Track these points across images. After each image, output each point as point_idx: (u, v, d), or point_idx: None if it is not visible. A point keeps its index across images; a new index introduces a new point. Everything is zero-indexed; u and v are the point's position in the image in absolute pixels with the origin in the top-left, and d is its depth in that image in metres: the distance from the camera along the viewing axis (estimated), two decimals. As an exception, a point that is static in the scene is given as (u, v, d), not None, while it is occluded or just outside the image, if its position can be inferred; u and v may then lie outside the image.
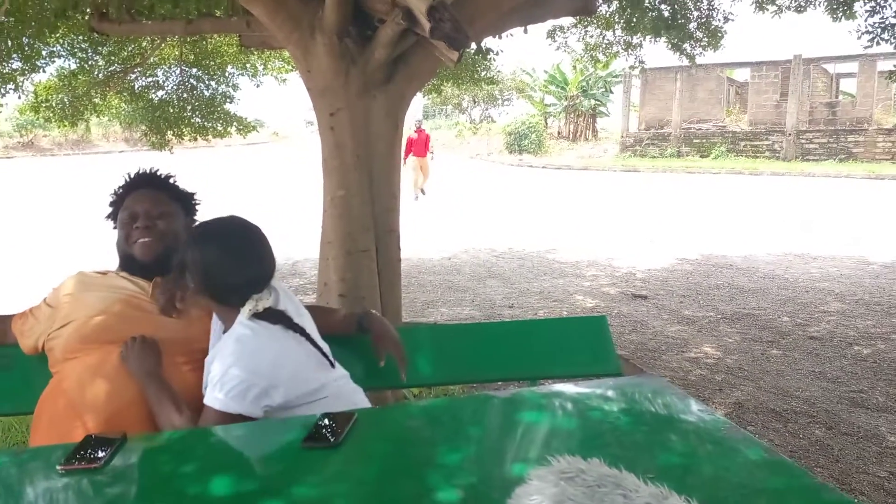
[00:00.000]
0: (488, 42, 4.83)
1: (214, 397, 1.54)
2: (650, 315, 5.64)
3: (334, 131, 2.85)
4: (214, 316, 1.76)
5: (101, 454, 1.29)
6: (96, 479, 1.23)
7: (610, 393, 1.63)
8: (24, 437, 3.14)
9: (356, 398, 1.78)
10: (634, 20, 3.98)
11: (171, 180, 2.06)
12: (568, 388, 1.66)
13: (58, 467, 1.25)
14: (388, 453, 1.38)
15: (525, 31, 3.55)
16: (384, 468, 1.31)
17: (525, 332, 2.56)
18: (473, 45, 3.92)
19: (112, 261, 2.00)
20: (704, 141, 24.51)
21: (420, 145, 14.88)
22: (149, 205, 1.93)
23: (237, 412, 1.52)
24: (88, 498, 1.19)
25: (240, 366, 1.54)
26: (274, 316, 1.64)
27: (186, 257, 1.64)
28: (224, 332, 1.68)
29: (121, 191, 2.01)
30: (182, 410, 1.59)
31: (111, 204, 2.02)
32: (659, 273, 7.27)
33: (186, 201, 2.07)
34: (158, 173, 2.05)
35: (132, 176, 2.02)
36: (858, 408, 3.73)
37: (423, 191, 14.76)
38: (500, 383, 3.03)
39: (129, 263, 1.92)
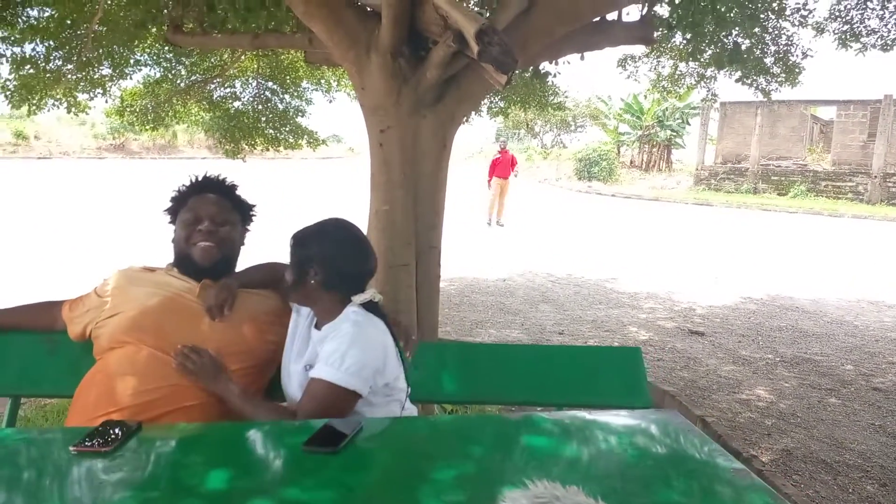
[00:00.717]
0: (546, 66, 4.83)
1: (330, 372, 1.64)
2: (705, 353, 5.46)
3: (383, 148, 2.92)
4: (296, 315, 1.89)
5: (113, 440, 1.35)
6: (104, 463, 1.29)
7: (623, 424, 1.60)
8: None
9: (411, 409, 1.89)
10: (698, 52, 3.91)
11: (235, 189, 2.14)
12: (582, 415, 1.64)
13: (70, 448, 1.31)
14: (386, 464, 1.39)
15: (582, 58, 3.54)
16: (378, 478, 1.33)
17: (558, 357, 2.52)
18: (531, 68, 3.93)
19: (163, 259, 2.08)
20: (783, 179, 23.67)
21: (504, 167, 14.16)
22: (214, 210, 2.01)
23: (352, 388, 1.63)
24: (93, 479, 1.24)
25: (357, 346, 1.67)
26: (379, 310, 1.82)
27: (311, 251, 1.77)
28: (316, 325, 1.82)
29: (185, 190, 2.08)
30: (284, 410, 1.73)
31: (172, 199, 2.08)
32: (720, 310, 7.04)
33: (246, 211, 2.14)
34: (225, 180, 2.13)
35: (199, 178, 2.10)
36: (918, 467, 3.51)
37: (499, 223, 13.79)
38: (527, 407, 3.00)
39: (184, 263, 1.99)
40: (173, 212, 2.07)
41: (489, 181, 14.05)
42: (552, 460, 1.36)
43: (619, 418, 1.65)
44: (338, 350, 1.66)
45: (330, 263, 1.76)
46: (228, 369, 1.78)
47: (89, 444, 1.33)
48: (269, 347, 1.90)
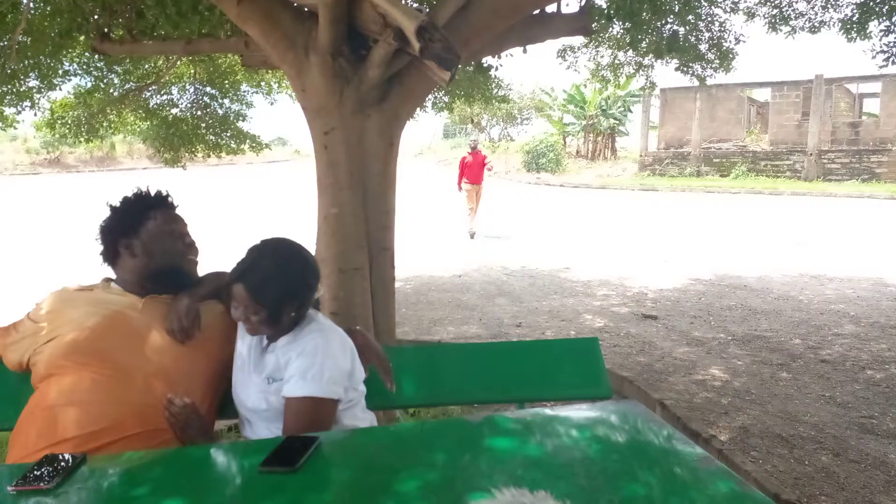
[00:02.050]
0: (489, 60, 4.82)
1: (313, 387, 1.62)
2: (659, 336, 5.55)
3: (328, 150, 2.86)
4: (242, 334, 1.81)
5: (55, 475, 1.28)
6: (47, 501, 1.21)
7: (586, 419, 1.59)
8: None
9: (370, 416, 1.89)
10: (636, 41, 3.95)
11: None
12: (544, 412, 1.62)
13: (8, 488, 1.23)
14: (347, 480, 1.35)
15: (524, 51, 3.54)
16: (339, 496, 1.28)
17: (517, 353, 2.51)
18: (473, 63, 3.91)
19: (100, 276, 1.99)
20: (724, 161, 24.31)
21: (475, 169, 11.98)
22: (182, 225, 2.01)
23: (335, 396, 1.65)
24: (35, 520, 1.17)
25: (330, 356, 1.68)
26: (317, 305, 1.85)
27: (283, 292, 1.69)
28: (266, 345, 1.77)
29: (141, 204, 1.98)
30: None
31: (124, 213, 1.96)
32: (671, 293, 7.18)
33: None
34: (171, 197, 2.07)
35: (153, 193, 2.01)
36: (868, 434, 3.62)
37: (471, 234, 11.82)
38: (489, 405, 2.98)
39: (165, 277, 1.91)
40: (130, 227, 1.95)
41: (459, 185, 12.19)
42: (517, 461, 1.34)
43: (580, 412, 1.64)
44: (313, 364, 1.65)
45: (304, 293, 1.74)
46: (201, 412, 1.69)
47: (30, 482, 1.25)
48: (216, 362, 1.84)
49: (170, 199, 2.03)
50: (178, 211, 2.04)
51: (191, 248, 2.00)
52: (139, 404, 1.65)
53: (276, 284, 1.69)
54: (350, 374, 1.75)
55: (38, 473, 1.29)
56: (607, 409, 1.65)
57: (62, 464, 1.33)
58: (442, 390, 2.28)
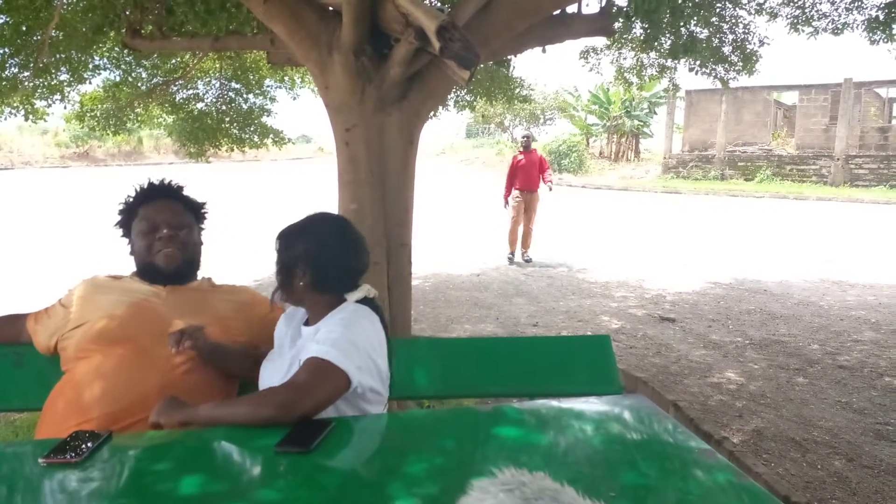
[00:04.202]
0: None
1: (320, 349, 1.55)
2: (676, 338, 5.55)
3: (349, 146, 2.92)
4: (283, 318, 1.83)
5: (83, 449, 1.34)
6: (74, 473, 1.28)
7: (591, 411, 1.63)
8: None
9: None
10: (655, 42, 3.96)
11: (183, 190, 2.13)
12: (551, 404, 1.66)
13: (39, 460, 1.30)
14: (358, 461, 1.40)
15: (543, 51, 3.57)
16: (350, 476, 1.34)
17: (530, 348, 2.55)
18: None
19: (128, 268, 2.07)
20: (749, 164, 24.07)
21: (528, 173, 9.13)
22: (169, 215, 2.00)
23: (342, 366, 1.53)
24: (64, 490, 1.24)
25: (350, 331, 1.61)
26: (375, 306, 1.76)
27: (296, 251, 1.69)
28: (306, 323, 1.75)
29: (133, 200, 2.07)
30: (243, 400, 1.59)
31: (122, 212, 2.08)
32: (689, 296, 7.16)
33: (198, 211, 2.14)
34: (172, 184, 2.12)
35: (146, 186, 2.09)
36: (883, 440, 3.61)
37: (525, 257, 9.25)
38: (501, 399, 3.03)
39: (148, 272, 1.98)
40: (125, 224, 2.05)
41: (506, 196, 9.31)
42: (522, 449, 1.38)
43: (587, 405, 1.68)
44: (331, 332, 1.59)
45: (316, 262, 1.70)
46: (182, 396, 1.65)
47: (59, 455, 1.32)
48: (240, 346, 1.89)
49: (160, 190, 2.05)
50: (172, 200, 2.04)
51: (169, 240, 1.96)
52: (161, 385, 1.72)
53: (295, 241, 1.71)
54: (374, 364, 1.65)
55: (67, 448, 1.36)
56: (614, 402, 1.69)
57: (89, 440, 1.39)
58: (454, 383, 2.32)
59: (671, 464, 1.34)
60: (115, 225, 2.07)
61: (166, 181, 2.10)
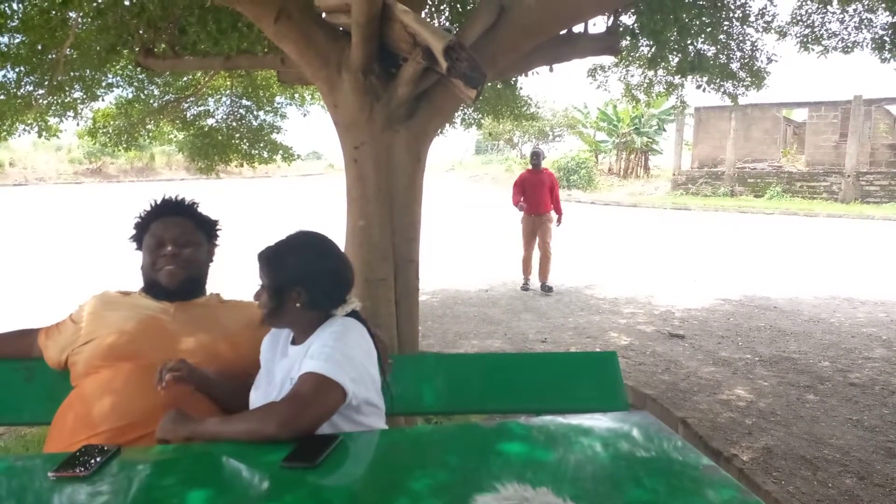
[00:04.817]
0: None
1: (315, 364, 1.55)
2: (685, 355, 5.52)
3: (358, 164, 2.95)
4: (267, 340, 1.83)
5: (92, 464, 1.36)
6: (83, 487, 1.29)
7: (597, 427, 1.63)
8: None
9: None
10: (661, 60, 3.98)
11: (196, 208, 2.15)
12: (557, 420, 1.66)
13: (49, 474, 1.32)
14: (363, 476, 1.42)
15: (551, 70, 3.61)
16: (355, 491, 1.35)
17: (536, 364, 2.55)
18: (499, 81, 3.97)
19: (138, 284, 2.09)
20: (759, 181, 24.01)
21: (537, 193, 8.19)
22: (176, 232, 2.02)
23: (337, 379, 1.54)
24: (74, 503, 1.25)
25: (342, 343, 1.61)
26: (361, 319, 1.77)
27: (290, 272, 1.68)
28: (293, 342, 1.75)
29: (146, 215, 2.10)
30: (246, 417, 1.57)
31: (136, 227, 2.11)
32: (699, 313, 7.13)
33: (210, 229, 2.16)
34: (185, 201, 2.14)
35: (158, 202, 2.12)
36: (895, 458, 3.57)
37: (545, 286, 8.27)
38: (508, 415, 3.03)
39: (153, 288, 2.01)
40: (138, 239, 2.09)
41: (516, 202, 8.28)
42: (526, 465, 1.39)
43: (592, 421, 1.68)
44: (324, 347, 1.60)
45: (313, 281, 1.69)
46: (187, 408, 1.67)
47: (68, 469, 1.34)
48: (245, 364, 1.90)
49: (172, 206, 2.08)
50: (183, 217, 2.06)
51: (172, 258, 1.98)
52: (169, 399, 1.73)
53: (287, 262, 1.69)
54: (368, 374, 1.66)
55: (76, 462, 1.37)
56: (619, 419, 1.69)
57: (98, 454, 1.41)
58: (461, 399, 2.33)
59: (676, 480, 1.34)
60: (130, 239, 2.10)
61: (179, 197, 2.13)
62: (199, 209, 2.15)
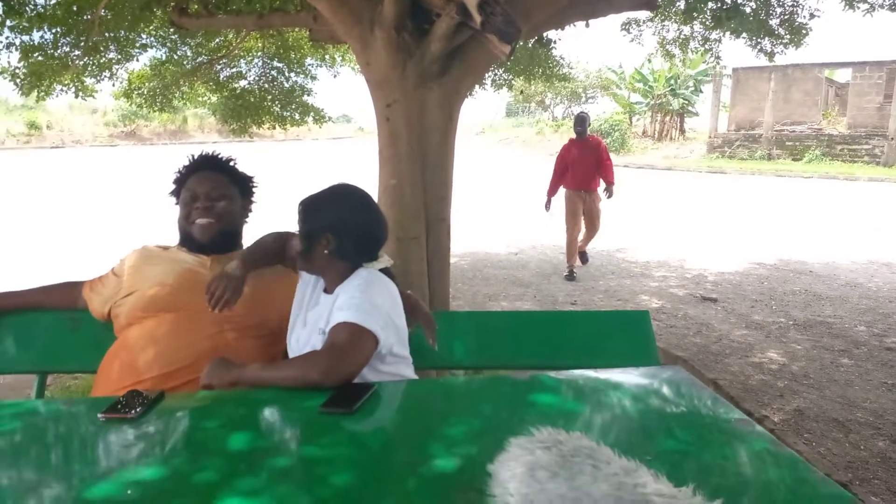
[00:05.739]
0: (550, 34, 4.79)
1: (346, 314, 1.60)
2: (717, 318, 5.49)
3: (390, 122, 2.95)
4: (303, 281, 1.88)
5: (138, 407, 1.41)
6: (131, 429, 1.35)
7: (628, 381, 1.64)
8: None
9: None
10: (697, 9, 3.85)
11: (232, 163, 2.19)
12: (587, 374, 1.68)
13: (98, 415, 1.37)
14: (399, 423, 1.45)
15: (587, 26, 3.54)
16: (392, 436, 1.38)
17: (568, 322, 2.57)
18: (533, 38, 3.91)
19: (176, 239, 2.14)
20: (798, 144, 23.39)
21: (585, 166, 6.99)
22: (209, 186, 2.06)
23: (369, 327, 1.59)
24: (121, 443, 1.31)
25: (369, 293, 1.67)
26: (391, 276, 1.82)
27: (323, 219, 1.74)
28: (326, 290, 1.80)
29: (184, 171, 2.14)
30: (290, 364, 1.63)
31: (174, 182, 2.16)
32: (732, 276, 7.05)
33: (244, 185, 2.19)
34: (220, 156, 2.18)
35: (195, 157, 2.16)
36: (929, 423, 3.53)
37: (582, 257, 7.41)
38: (538, 371, 3.05)
39: (188, 241, 2.06)
40: (177, 193, 2.13)
41: (550, 194, 7.21)
42: (558, 415, 1.41)
43: (623, 375, 1.69)
44: (352, 297, 1.65)
45: (343, 231, 1.74)
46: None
47: (117, 411, 1.39)
48: (282, 314, 1.94)
49: (208, 161, 2.12)
50: (217, 172, 2.10)
51: (205, 211, 2.01)
52: (211, 347, 1.78)
53: (321, 209, 1.75)
54: (393, 324, 1.70)
55: (123, 405, 1.43)
56: (651, 374, 1.69)
57: (143, 398, 1.46)
58: (492, 354, 2.35)
59: (708, 433, 1.35)
60: (169, 194, 2.14)
61: (215, 153, 2.17)
62: (235, 165, 2.18)
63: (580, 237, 7.19)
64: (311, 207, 1.77)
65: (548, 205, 7.25)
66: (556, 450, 0.98)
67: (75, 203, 13.19)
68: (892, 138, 21.42)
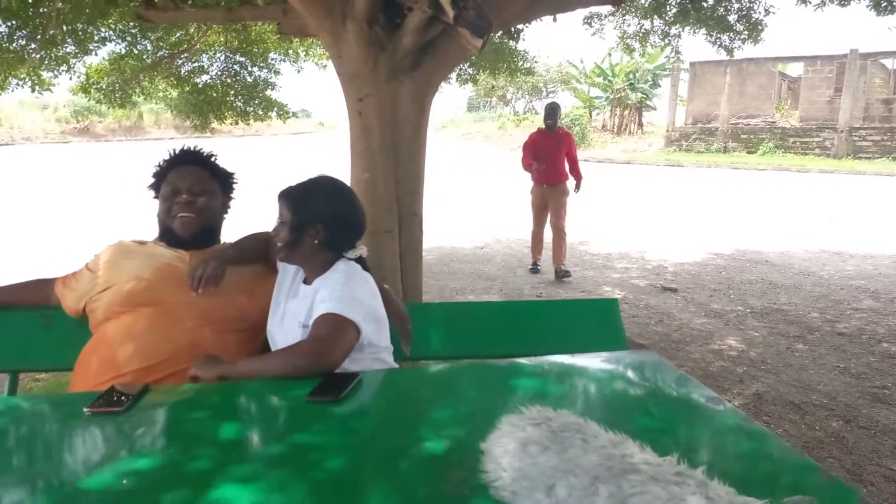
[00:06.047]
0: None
1: (328, 305, 1.65)
2: (678, 308, 5.63)
3: (362, 116, 2.97)
4: (282, 272, 1.92)
5: (125, 400, 1.42)
6: (118, 421, 1.35)
7: (604, 365, 1.71)
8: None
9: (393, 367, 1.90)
10: (662, 7, 3.96)
11: (213, 159, 2.19)
12: (564, 359, 1.74)
13: (84, 409, 1.38)
14: (385, 409, 1.49)
15: (554, 20, 3.60)
16: (380, 421, 1.42)
17: (539, 311, 2.62)
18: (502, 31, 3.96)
19: (151, 234, 2.13)
20: (752, 137, 24.01)
21: (552, 157, 6.74)
22: (191, 181, 2.06)
23: (351, 317, 1.64)
24: (110, 436, 1.31)
25: (350, 285, 1.72)
26: (366, 265, 1.88)
27: (312, 210, 1.78)
28: (305, 281, 1.84)
29: (164, 164, 2.13)
30: (279, 354, 1.66)
31: (154, 175, 2.14)
32: (691, 267, 7.23)
33: (225, 180, 2.20)
34: (202, 151, 2.17)
35: (176, 151, 2.15)
36: (880, 403, 3.70)
37: (561, 269, 6.78)
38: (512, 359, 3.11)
39: (168, 235, 2.06)
40: (156, 187, 2.12)
41: (529, 166, 6.75)
42: (540, 398, 1.46)
43: (598, 360, 1.75)
44: (333, 290, 1.69)
45: (333, 222, 1.79)
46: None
47: (103, 405, 1.39)
48: (262, 309, 1.95)
49: (189, 156, 2.12)
50: (199, 166, 2.10)
51: (186, 205, 2.02)
52: (190, 341, 1.79)
53: (311, 200, 1.79)
54: (373, 315, 1.75)
55: (109, 399, 1.43)
56: (624, 357, 1.77)
57: (128, 392, 1.47)
58: (467, 344, 2.39)
59: (682, 410, 1.42)
60: (148, 187, 2.13)
61: (196, 148, 2.17)
62: (215, 159, 2.18)
63: (550, 249, 7.01)
64: (302, 199, 1.80)
65: (536, 168, 6.66)
66: (546, 426, 1.02)
67: (29, 201, 12.83)
68: (842, 131, 22.13)
